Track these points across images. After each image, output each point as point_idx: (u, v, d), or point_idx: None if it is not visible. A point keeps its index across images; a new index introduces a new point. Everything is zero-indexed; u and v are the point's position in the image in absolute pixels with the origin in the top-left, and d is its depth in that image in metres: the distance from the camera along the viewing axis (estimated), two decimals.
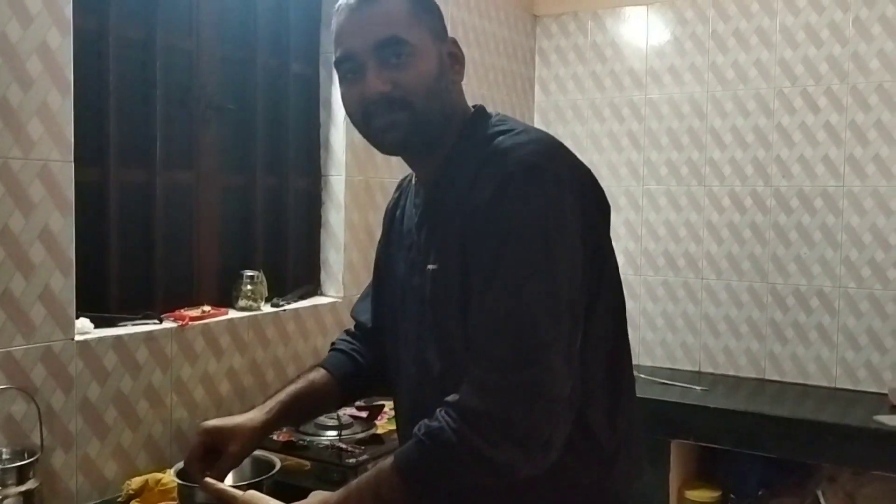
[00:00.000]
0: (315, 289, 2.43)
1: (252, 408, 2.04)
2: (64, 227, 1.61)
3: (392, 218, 1.33)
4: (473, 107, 1.21)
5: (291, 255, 2.35)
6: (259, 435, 1.30)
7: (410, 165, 1.25)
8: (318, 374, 1.37)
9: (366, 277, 2.50)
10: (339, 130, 2.38)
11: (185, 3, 2.00)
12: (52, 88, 1.57)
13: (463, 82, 1.22)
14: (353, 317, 1.47)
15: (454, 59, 1.17)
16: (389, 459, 1.05)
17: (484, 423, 0.98)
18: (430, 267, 1.14)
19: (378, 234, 1.42)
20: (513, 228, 1.02)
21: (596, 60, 3.29)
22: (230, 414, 1.99)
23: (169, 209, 1.97)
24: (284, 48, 2.28)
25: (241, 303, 2.11)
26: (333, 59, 1.15)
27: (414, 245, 1.21)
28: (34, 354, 1.57)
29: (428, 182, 1.20)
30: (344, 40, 1.12)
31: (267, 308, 2.17)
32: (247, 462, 1.65)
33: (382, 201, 2.49)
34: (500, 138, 1.10)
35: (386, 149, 1.18)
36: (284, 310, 2.19)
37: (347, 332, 1.47)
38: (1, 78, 1.49)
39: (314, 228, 2.43)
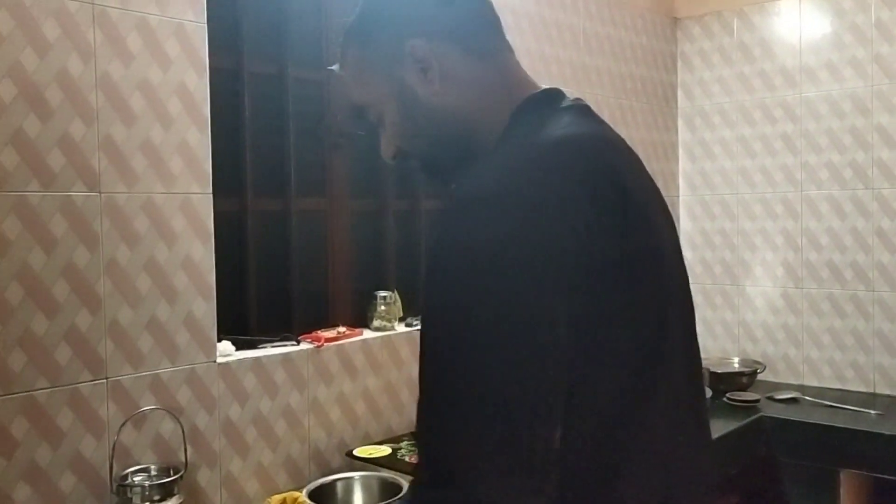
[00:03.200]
0: None
1: (388, 428, 2.08)
2: (205, 256, 1.71)
3: None
4: (535, 94, 0.92)
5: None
6: None
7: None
8: None
9: None
10: None
11: (314, 36, 2.08)
12: (190, 126, 1.68)
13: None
14: None
15: (422, 67, 0.91)
16: None
17: None
18: None
19: None
20: (445, 284, 0.74)
21: (743, 61, 3.09)
22: (367, 434, 2.04)
23: (303, 234, 2.05)
24: None
25: (376, 323, 2.15)
26: None
27: None
28: (180, 376, 1.67)
29: None
30: None
31: (401, 328, 2.19)
32: (374, 483, 1.67)
33: None
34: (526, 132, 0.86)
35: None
36: (418, 329, 2.20)
37: None
38: (145, 119, 1.61)
39: None
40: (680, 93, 3.26)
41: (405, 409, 2.14)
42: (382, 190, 2.25)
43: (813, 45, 2.92)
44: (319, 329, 2.03)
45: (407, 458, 1.86)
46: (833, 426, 2.49)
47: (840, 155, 2.87)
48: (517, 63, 0.96)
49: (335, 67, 1.02)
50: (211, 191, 1.72)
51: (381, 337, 2.11)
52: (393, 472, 1.77)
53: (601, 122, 0.92)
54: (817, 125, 2.92)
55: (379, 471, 1.80)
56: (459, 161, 0.95)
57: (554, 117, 0.87)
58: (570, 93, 0.95)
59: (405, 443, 1.96)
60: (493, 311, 0.70)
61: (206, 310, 1.72)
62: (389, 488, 1.62)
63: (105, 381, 1.55)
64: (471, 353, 0.70)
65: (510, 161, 0.81)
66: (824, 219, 2.92)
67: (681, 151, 3.25)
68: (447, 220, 0.78)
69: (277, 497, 1.75)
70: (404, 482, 1.65)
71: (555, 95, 0.92)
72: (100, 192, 1.54)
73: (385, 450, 1.93)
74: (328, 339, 1.98)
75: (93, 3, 1.52)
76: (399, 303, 2.19)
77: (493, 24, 0.95)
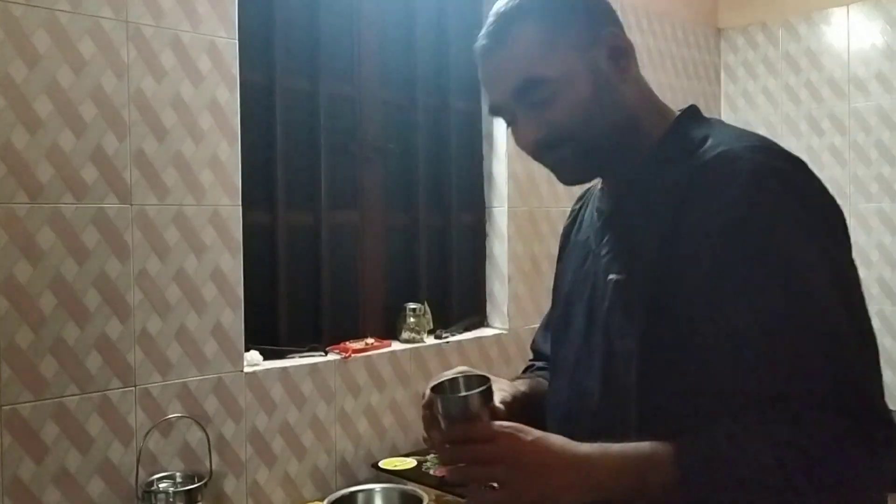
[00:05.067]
0: (481, 320, 2.42)
1: (415, 440, 2.07)
2: (233, 267, 1.74)
3: (567, 234, 1.19)
4: (683, 109, 1.04)
5: (456, 288, 2.36)
6: (508, 404, 1.04)
7: (599, 176, 1.10)
8: (538, 381, 1.19)
9: (531, 309, 2.47)
10: (502, 162, 2.38)
11: (347, 52, 2.11)
12: (221, 140, 1.72)
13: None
14: (533, 349, 1.29)
15: (618, 53, 0.97)
16: (669, 449, 0.85)
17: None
18: (611, 277, 1.00)
19: (544, 264, 1.33)
20: (773, 240, 0.87)
21: (789, 72, 3.02)
22: (394, 446, 2.05)
23: (335, 247, 2.07)
24: (444, 87, 2.32)
25: (405, 335, 2.15)
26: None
27: (591, 255, 1.07)
28: (207, 385, 1.70)
29: (618, 189, 1.05)
30: (487, 90, 1.03)
31: (430, 340, 2.19)
32: (396, 495, 1.67)
33: (547, 231, 2.44)
34: (724, 140, 0.94)
35: (565, 183, 1.07)
36: (448, 342, 2.20)
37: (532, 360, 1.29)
38: (176, 133, 1.65)
39: (479, 261, 2.43)
40: (723, 104, 3.19)
41: None
42: (415, 203, 2.26)
43: (862, 55, 2.84)
44: (349, 340, 2.04)
45: (432, 471, 1.86)
46: None
47: (891, 167, 2.78)
48: None
49: (485, 42, 0.99)
50: (240, 203, 1.75)
51: (410, 349, 2.11)
52: (417, 484, 1.77)
53: None
54: (867, 137, 2.83)
55: (403, 483, 1.79)
56: (618, 152, 0.99)
57: (720, 125, 1.02)
58: None
59: (431, 455, 1.95)
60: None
61: (233, 320, 1.75)
62: (411, 501, 1.62)
63: (134, 388, 1.59)
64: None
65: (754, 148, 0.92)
66: (874, 233, 2.83)
67: None
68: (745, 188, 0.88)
69: None
70: (426, 495, 1.65)
71: (697, 110, 1.04)
72: (131, 204, 1.59)
73: (411, 462, 1.93)
74: (356, 351, 1.99)
75: (127, 22, 1.57)
76: (429, 315, 2.19)
77: None
